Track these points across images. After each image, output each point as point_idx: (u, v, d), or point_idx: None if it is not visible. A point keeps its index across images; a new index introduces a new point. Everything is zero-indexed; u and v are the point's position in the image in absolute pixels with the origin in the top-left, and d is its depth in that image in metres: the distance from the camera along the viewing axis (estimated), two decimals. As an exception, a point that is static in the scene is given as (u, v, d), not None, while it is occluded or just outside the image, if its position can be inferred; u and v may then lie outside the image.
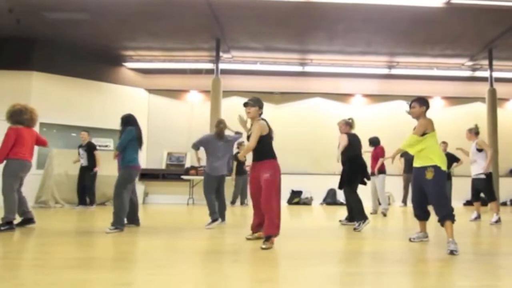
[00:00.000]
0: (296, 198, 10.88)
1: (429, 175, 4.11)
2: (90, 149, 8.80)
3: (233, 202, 10.03)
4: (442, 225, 4.04)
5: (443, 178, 4.14)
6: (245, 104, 4.34)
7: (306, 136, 11.20)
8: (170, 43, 9.81)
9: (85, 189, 8.74)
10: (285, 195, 10.91)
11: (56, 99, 9.55)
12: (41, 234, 4.90)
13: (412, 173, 4.39)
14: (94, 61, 10.26)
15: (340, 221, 6.37)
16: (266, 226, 4.12)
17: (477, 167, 6.63)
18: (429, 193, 4.13)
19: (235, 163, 9.52)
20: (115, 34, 9.33)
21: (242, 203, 10.17)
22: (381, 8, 7.73)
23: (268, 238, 4.07)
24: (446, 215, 4.00)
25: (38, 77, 9.37)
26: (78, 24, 8.64)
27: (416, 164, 4.28)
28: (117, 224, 5.09)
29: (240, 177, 9.74)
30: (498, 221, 6.47)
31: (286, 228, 5.76)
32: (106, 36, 9.42)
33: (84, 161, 8.78)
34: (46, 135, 9.63)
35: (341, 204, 8.64)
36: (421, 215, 4.44)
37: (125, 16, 8.29)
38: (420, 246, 4.25)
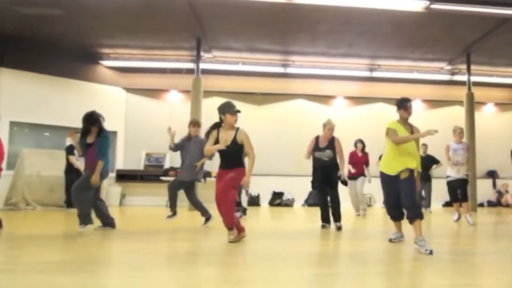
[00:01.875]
0: (277, 199, 10.82)
1: (405, 174, 4.16)
2: None
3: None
4: (412, 223, 4.12)
5: (415, 178, 4.26)
6: (233, 112, 4.32)
7: (288, 137, 11.14)
8: (150, 41, 9.60)
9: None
10: (266, 196, 10.85)
11: (28, 97, 9.17)
12: (10, 238, 4.67)
13: (383, 177, 4.38)
14: (69, 58, 9.91)
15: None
16: (225, 218, 4.21)
17: (463, 169, 6.62)
18: (404, 192, 4.15)
19: None
20: (92, 31, 9.05)
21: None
22: (362, 11, 7.76)
23: (232, 229, 4.19)
24: (419, 214, 4.12)
25: (8, 74, 8.97)
26: (53, 20, 8.33)
27: (391, 171, 4.27)
28: (85, 221, 4.92)
29: None
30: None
31: (267, 229, 5.67)
32: (82, 33, 9.12)
33: (80, 163, 8.54)
34: (17, 134, 9.33)
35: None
36: (398, 215, 4.47)
37: (102, 13, 8.04)
38: (397, 247, 4.27)
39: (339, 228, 5.62)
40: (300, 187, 10.82)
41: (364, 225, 6.62)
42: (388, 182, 4.32)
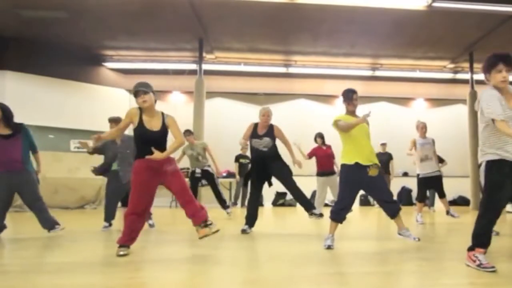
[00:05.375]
0: (281, 199, 10.83)
1: (374, 172, 4.03)
2: None
3: (235, 203, 10.15)
4: (394, 217, 4.14)
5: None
6: (136, 93, 3.58)
7: (290, 137, 11.04)
8: (152, 43, 9.63)
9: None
10: (270, 196, 10.84)
11: (32, 99, 9.23)
12: (15, 239, 4.70)
13: (348, 171, 4.04)
14: (72, 61, 9.96)
15: None
16: (198, 212, 3.65)
17: (434, 164, 6.52)
18: (381, 189, 4.14)
19: (236, 164, 9.87)
20: (94, 34, 9.10)
21: (242, 204, 10.21)
22: (365, 10, 7.77)
23: (206, 222, 3.65)
24: (399, 208, 4.14)
25: (12, 76, 9.05)
26: (55, 23, 8.38)
27: (362, 161, 4.00)
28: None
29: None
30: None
31: (271, 230, 5.68)
32: (84, 36, 9.17)
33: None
34: (22, 137, 9.38)
35: (326, 205, 8.63)
36: (345, 217, 4.15)
37: (105, 15, 8.09)
38: (399, 246, 4.22)
39: (320, 215, 5.09)
40: (303, 187, 10.80)
41: (364, 225, 6.62)
42: (351, 175, 3.99)
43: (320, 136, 7.61)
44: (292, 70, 11.01)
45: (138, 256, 3.71)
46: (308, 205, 5.25)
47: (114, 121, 5.48)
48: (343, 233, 5.36)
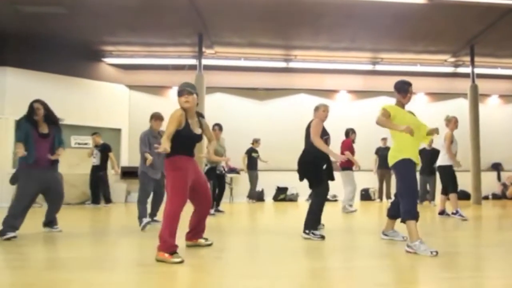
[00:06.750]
0: (281, 194, 10.85)
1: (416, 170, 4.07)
2: (104, 150, 8.97)
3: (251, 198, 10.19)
4: (394, 219, 4.18)
5: None
6: (180, 93, 3.61)
7: (291, 132, 11.10)
8: (151, 38, 9.60)
9: (98, 187, 8.98)
10: (271, 191, 10.87)
11: (32, 95, 8.95)
12: (19, 235, 4.68)
13: (412, 167, 3.83)
14: (72, 56, 9.93)
15: None
16: (203, 229, 3.95)
17: None
18: None
19: (246, 157, 9.82)
20: (94, 29, 9.06)
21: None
22: (365, 4, 7.73)
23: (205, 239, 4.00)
24: None
25: (12, 72, 9.04)
26: (54, 18, 8.34)
27: (416, 158, 3.88)
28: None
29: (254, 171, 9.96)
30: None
31: (272, 225, 5.68)
32: (84, 31, 9.13)
33: (96, 161, 8.94)
34: (22, 133, 9.39)
35: (327, 200, 8.63)
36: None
37: (104, 10, 8.04)
38: (400, 240, 4.23)
39: (322, 237, 4.61)
40: (304, 182, 10.82)
41: (365, 219, 6.63)
42: (414, 172, 3.81)
43: (354, 132, 7.68)
44: (292, 65, 10.97)
45: (140, 251, 3.73)
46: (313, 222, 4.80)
47: (157, 117, 5.66)
48: (345, 227, 5.38)
